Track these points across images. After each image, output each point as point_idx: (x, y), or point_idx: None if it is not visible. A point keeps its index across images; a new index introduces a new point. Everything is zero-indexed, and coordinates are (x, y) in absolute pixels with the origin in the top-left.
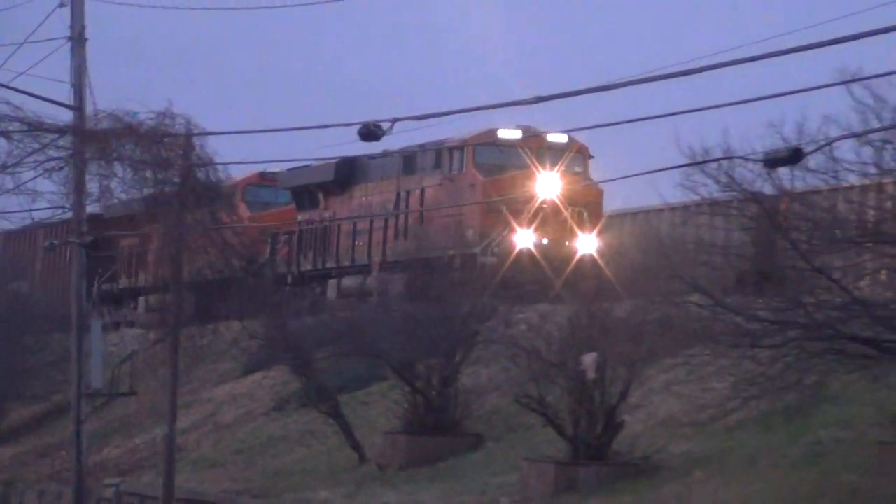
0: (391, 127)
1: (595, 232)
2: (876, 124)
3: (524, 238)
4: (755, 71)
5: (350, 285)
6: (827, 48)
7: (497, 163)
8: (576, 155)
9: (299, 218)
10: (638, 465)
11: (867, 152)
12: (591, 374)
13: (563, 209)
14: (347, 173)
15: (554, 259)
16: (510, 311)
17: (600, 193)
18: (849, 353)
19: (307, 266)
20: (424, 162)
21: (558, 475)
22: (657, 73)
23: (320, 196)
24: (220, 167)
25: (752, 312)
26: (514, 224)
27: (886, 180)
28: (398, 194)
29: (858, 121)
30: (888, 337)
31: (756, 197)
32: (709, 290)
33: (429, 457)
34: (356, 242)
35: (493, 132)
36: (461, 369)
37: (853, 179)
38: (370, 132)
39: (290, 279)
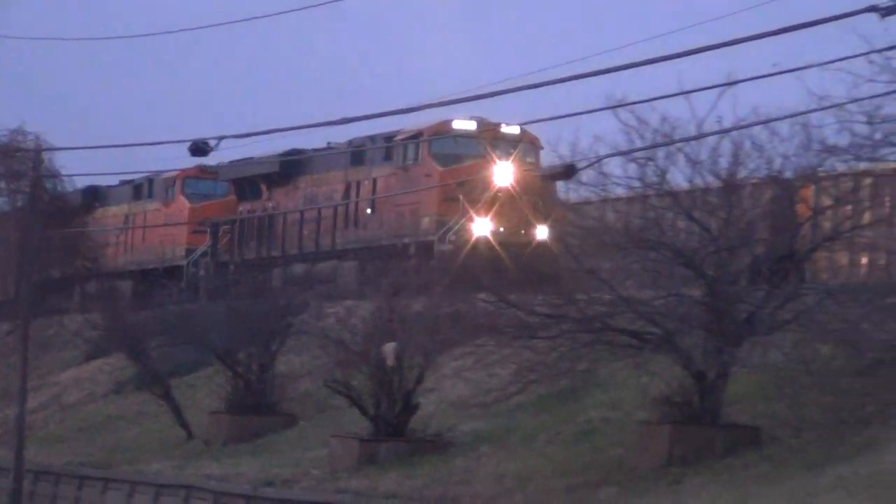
0: (217, 144)
1: (550, 221)
2: (639, 143)
3: (481, 226)
4: (533, 96)
5: (297, 273)
6: (599, 76)
7: (452, 153)
8: (528, 145)
9: (240, 208)
10: (432, 441)
11: (632, 168)
12: (390, 362)
13: (518, 198)
14: (292, 165)
15: (510, 248)
16: (321, 306)
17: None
18: (615, 343)
19: (250, 254)
20: (374, 153)
21: (362, 450)
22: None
23: (263, 187)
24: (66, 179)
25: (531, 308)
26: (471, 212)
27: (648, 193)
28: (347, 185)
29: (625, 140)
30: (649, 330)
31: None
32: (494, 287)
33: (248, 434)
34: (303, 231)
35: (447, 123)
36: (277, 357)
37: (620, 192)
38: (198, 148)
39: (232, 267)
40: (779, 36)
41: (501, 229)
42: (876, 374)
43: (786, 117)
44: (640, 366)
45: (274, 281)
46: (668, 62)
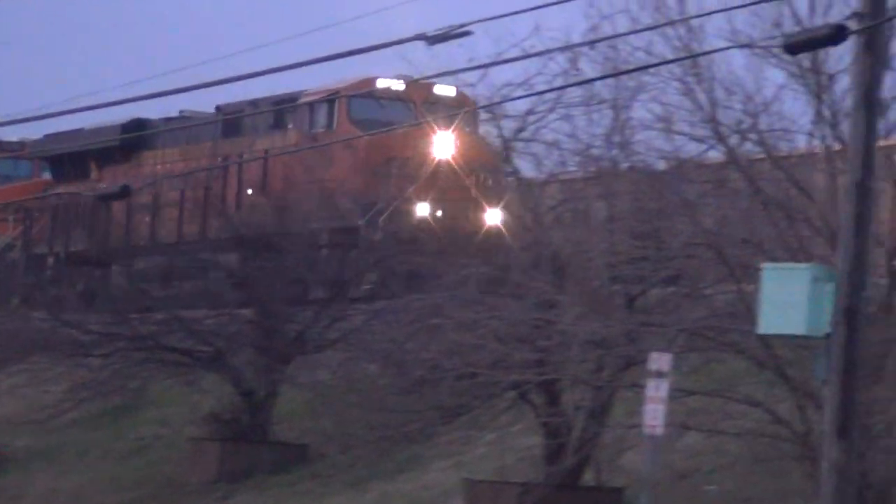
0: None
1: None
2: None
3: (420, 208)
4: None
5: (150, 268)
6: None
7: (376, 118)
8: (460, 112)
9: (59, 191)
10: None
11: None
12: None
13: (462, 174)
14: (133, 139)
15: (456, 233)
16: None
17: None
18: (168, 361)
19: (78, 246)
20: (259, 120)
21: None
22: None
23: (92, 165)
24: None
25: (86, 326)
26: (408, 192)
27: None
28: (219, 159)
29: None
30: (201, 348)
31: None
32: (50, 306)
33: None
34: (155, 218)
35: (370, 81)
36: None
37: None
38: None
39: (51, 261)
40: (327, 63)
41: (441, 212)
42: (420, 392)
43: None
44: (192, 383)
45: (114, 278)
46: None
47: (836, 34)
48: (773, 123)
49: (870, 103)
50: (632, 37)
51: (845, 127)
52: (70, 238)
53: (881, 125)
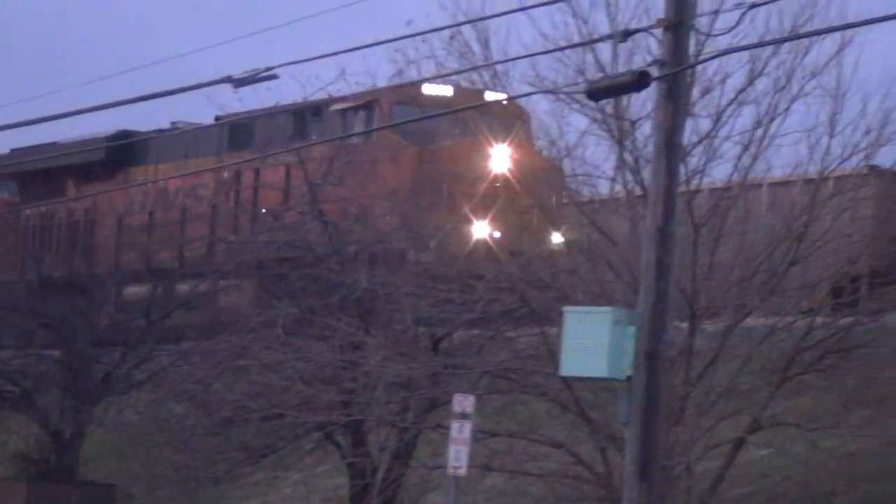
0: None
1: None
2: None
3: (480, 229)
4: None
5: (138, 294)
6: None
7: (422, 128)
8: (516, 121)
9: (27, 212)
10: None
11: None
12: None
13: (523, 192)
14: (119, 152)
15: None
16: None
17: (561, 174)
18: None
19: (58, 271)
20: (273, 132)
21: None
22: None
23: (69, 182)
24: None
25: None
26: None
27: None
28: (230, 174)
29: None
30: (8, 388)
31: None
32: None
33: None
34: (151, 237)
35: (415, 87)
36: None
37: None
38: None
39: (24, 287)
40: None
41: (498, 234)
42: (226, 433)
43: None
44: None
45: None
46: None
47: (638, 81)
48: (576, 168)
49: (671, 149)
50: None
51: (647, 173)
52: (42, 262)
53: (682, 171)
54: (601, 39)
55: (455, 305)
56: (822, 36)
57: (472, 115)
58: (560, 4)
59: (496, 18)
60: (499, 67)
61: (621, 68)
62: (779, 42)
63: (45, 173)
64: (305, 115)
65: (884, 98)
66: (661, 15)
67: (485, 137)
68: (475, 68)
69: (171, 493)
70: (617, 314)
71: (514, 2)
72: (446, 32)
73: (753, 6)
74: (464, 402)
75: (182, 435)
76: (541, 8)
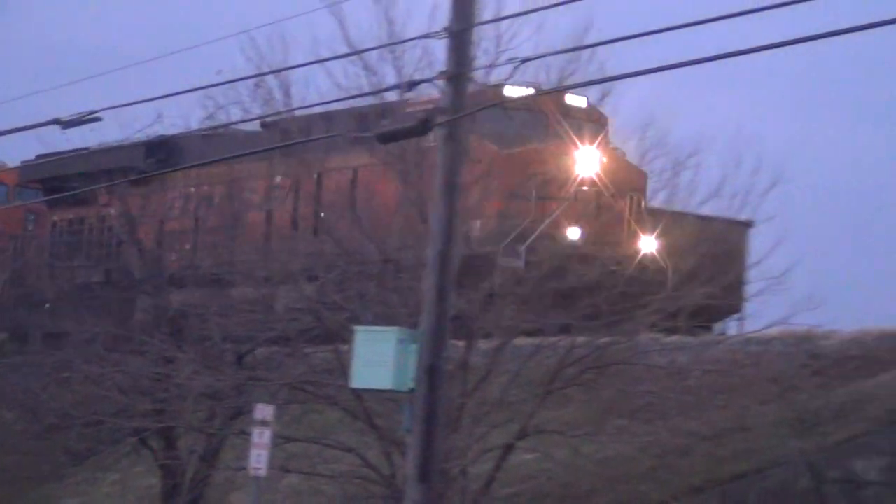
0: None
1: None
2: None
3: (572, 233)
4: None
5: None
6: None
7: (505, 132)
8: (596, 125)
9: (54, 218)
10: None
11: None
12: None
13: (611, 196)
14: (158, 159)
15: (609, 262)
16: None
17: (645, 177)
18: None
19: (92, 277)
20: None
21: None
22: None
23: (101, 190)
24: None
25: None
26: (555, 215)
27: None
28: (291, 180)
29: None
30: None
31: None
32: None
33: None
34: (198, 245)
35: (496, 88)
36: None
37: None
38: None
39: (48, 295)
40: None
41: (585, 239)
42: (52, 437)
43: None
44: None
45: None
46: None
47: (423, 126)
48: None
49: (450, 186)
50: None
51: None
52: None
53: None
54: (389, 89)
55: (258, 324)
56: (586, 87)
57: (555, 119)
58: (352, 57)
59: (296, 69)
60: (298, 112)
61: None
62: (546, 93)
63: (72, 179)
64: (368, 119)
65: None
66: (444, 67)
67: (571, 141)
68: (277, 113)
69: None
70: (401, 333)
71: (312, 54)
72: (252, 81)
73: (525, 60)
74: (264, 410)
75: (10, 439)
76: (335, 60)
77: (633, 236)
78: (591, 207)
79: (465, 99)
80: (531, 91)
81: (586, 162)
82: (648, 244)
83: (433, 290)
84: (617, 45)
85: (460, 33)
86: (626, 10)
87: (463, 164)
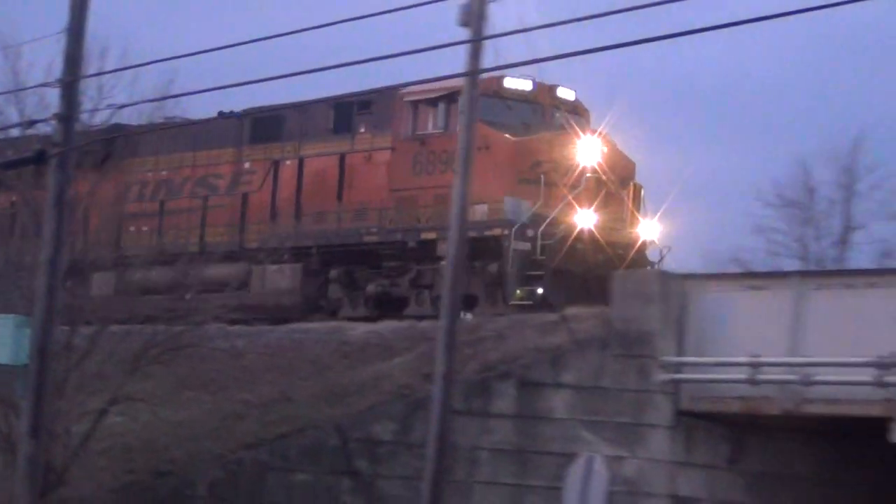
0: None
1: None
2: None
3: (585, 218)
4: None
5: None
6: None
7: (503, 120)
8: (582, 117)
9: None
10: None
11: None
12: None
13: (612, 184)
14: (113, 145)
15: (618, 246)
16: None
17: (635, 166)
18: None
19: None
20: (304, 126)
21: None
22: None
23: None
24: None
25: None
26: (568, 200)
27: None
28: (269, 165)
29: None
30: None
31: None
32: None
33: None
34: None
35: (497, 80)
36: None
37: None
38: None
39: None
40: None
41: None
42: None
43: None
44: None
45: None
46: None
47: (40, 156)
48: None
49: (59, 205)
50: None
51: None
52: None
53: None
54: (13, 126)
55: None
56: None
57: (551, 108)
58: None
59: None
60: None
61: None
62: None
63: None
64: (351, 108)
65: None
66: (57, 110)
67: (572, 130)
68: None
69: None
70: (17, 320)
71: None
72: None
73: (121, 107)
74: None
75: None
76: None
77: (635, 223)
78: (598, 194)
79: (73, 136)
80: (530, 84)
81: (589, 150)
82: (649, 230)
83: (44, 287)
84: None
85: (70, 83)
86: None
87: (70, 186)
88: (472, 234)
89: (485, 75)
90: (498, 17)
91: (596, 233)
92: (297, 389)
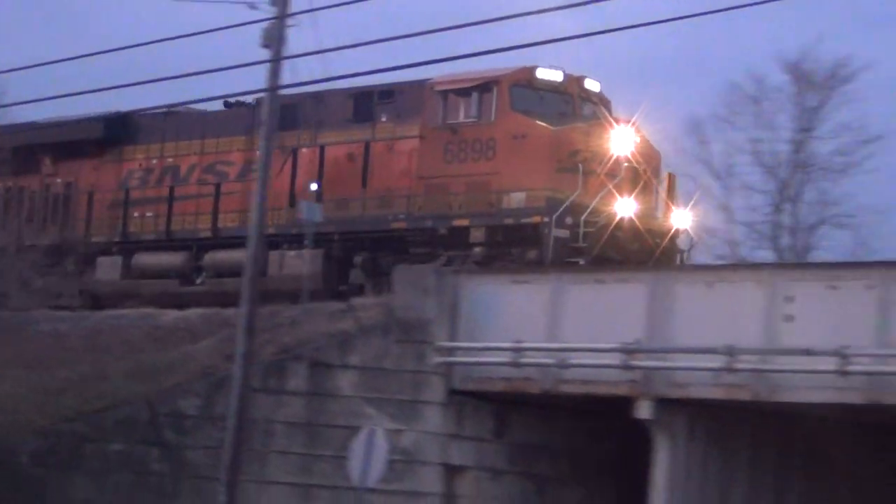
0: None
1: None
2: None
3: (625, 206)
4: None
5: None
6: None
7: (535, 109)
8: (605, 108)
9: None
10: None
11: None
12: None
13: (644, 173)
14: (117, 132)
15: (654, 235)
16: None
17: (660, 156)
18: None
19: (48, 240)
20: (321, 114)
21: None
22: None
23: (45, 160)
24: None
25: None
26: (596, 188)
27: None
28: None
29: None
30: None
31: None
32: None
33: None
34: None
35: (529, 70)
36: None
37: None
38: None
39: None
40: None
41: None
42: None
43: None
44: None
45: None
46: None
47: None
48: None
49: None
50: None
51: None
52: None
53: None
54: None
55: None
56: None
57: (579, 99)
58: None
59: None
60: None
61: None
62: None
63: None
64: (371, 97)
65: None
66: None
67: (607, 120)
68: None
69: None
70: None
71: None
72: None
73: None
74: None
75: None
76: None
77: (669, 211)
78: (636, 183)
79: None
80: (561, 75)
81: (623, 140)
82: (683, 219)
83: None
84: None
85: None
86: None
87: None
88: (510, 220)
89: (515, 66)
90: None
91: (635, 221)
92: (113, 368)
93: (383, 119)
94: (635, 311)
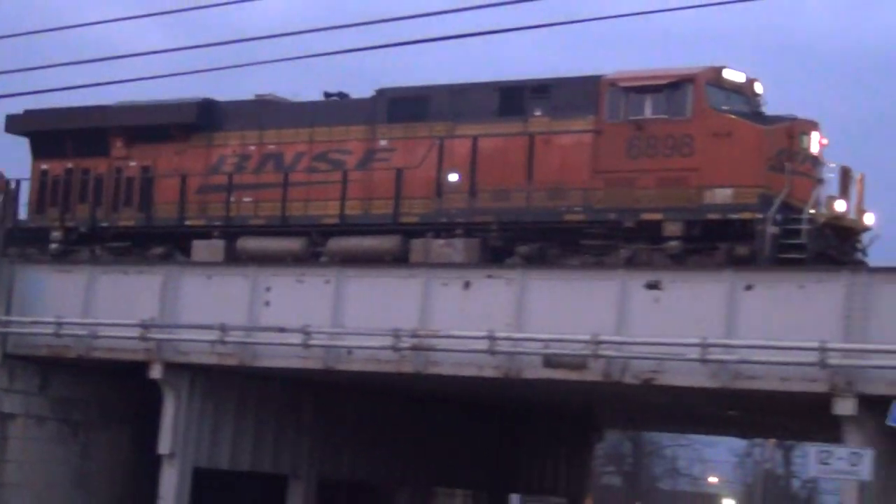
0: None
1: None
2: None
3: (835, 204)
4: None
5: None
6: None
7: (723, 107)
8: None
9: (43, 167)
10: None
11: None
12: None
13: (846, 173)
14: (206, 119)
15: (852, 233)
16: None
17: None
18: None
19: (125, 221)
20: (460, 107)
21: None
22: None
23: (117, 142)
24: None
25: None
26: (804, 186)
27: None
28: (384, 144)
29: None
30: None
31: None
32: None
33: None
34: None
35: (717, 70)
36: None
37: None
38: None
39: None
40: None
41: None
42: None
43: None
44: None
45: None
46: None
47: None
48: None
49: None
50: None
51: None
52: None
53: None
54: None
55: None
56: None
57: (754, 100)
58: None
59: None
60: None
61: None
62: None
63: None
64: (523, 92)
65: None
66: None
67: (804, 122)
68: None
69: None
70: None
71: None
72: None
73: None
74: None
75: None
76: None
77: (863, 210)
78: (845, 183)
79: None
80: (744, 76)
81: (819, 140)
82: (870, 218)
83: None
84: None
85: None
86: None
87: None
88: (715, 215)
89: (705, 65)
90: None
91: (844, 220)
92: None
93: (537, 113)
94: (152, 296)
